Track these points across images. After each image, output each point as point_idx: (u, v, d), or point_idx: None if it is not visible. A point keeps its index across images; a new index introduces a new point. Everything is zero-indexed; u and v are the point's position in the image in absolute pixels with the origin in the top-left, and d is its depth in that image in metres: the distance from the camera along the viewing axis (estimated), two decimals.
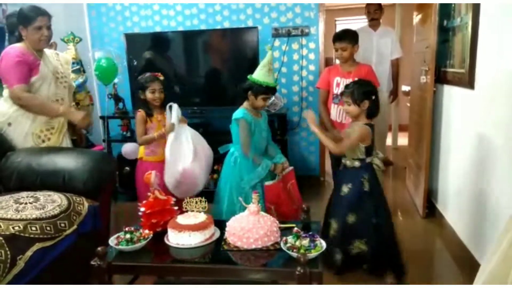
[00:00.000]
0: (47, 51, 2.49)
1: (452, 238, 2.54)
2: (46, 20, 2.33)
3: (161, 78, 2.55)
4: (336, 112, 2.89)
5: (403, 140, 5.00)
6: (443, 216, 2.83)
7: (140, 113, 2.52)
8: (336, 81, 2.86)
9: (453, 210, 2.68)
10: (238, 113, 2.36)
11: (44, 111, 2.36)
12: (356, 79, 2.42)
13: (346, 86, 2.29)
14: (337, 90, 2.85)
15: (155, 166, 2.41)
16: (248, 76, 2.36)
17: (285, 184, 2.41)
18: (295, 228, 1.69)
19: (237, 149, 2.41)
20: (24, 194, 2.03)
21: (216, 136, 3.07)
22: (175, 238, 1.72)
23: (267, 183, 2.33)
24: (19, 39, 2.35)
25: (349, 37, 2.77)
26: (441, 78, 2.86)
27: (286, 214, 2.31)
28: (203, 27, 3.73)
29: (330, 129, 2.92)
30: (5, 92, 2.38)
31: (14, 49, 2.32)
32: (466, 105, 2.44)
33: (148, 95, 2.51)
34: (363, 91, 2.16)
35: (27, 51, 2.33)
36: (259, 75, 2.32)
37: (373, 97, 2.18)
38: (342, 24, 6.62)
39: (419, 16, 3.38)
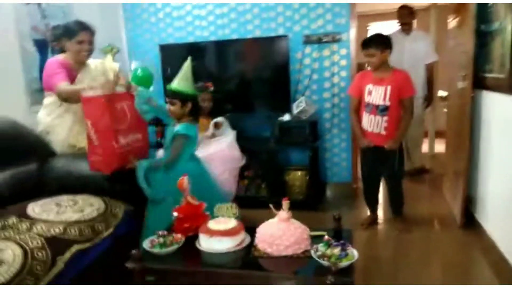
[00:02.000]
0: (91, 62, 2.60)
1: (492, 249, 2.42)
2: (89, 36, 2.45)
3: (211, 88, 2.81)
4: (367, 121, 2.82)
5: (440, 147, 4.84)
6: (482, 226, 2.71)
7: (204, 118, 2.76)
8: (368, 89, 2.79)
9: (493, 220, 2.56)
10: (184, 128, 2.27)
11: (74, 93, 2.37)
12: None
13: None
14: (368, 98, 2.78)
15: None
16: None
17: None
18: (326, 236, 1.67)
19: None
20: (64, 197, 2.13)
21: (247, 141, 3.10)
22: (206, 243, 1.74)
23: None
24: (62, 50, 2.49)
25: (376, 42, 2.70)
26: (479, 83, 2.75)
27: None
28: (234, 36, 3.79)
29: (360, 139, 2.86)
30: (46, 100, 2.51)
31: (57, 58, 2.48)
32: (507, 111, 2.33)
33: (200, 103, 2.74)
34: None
35: (68, 62, 2.46)
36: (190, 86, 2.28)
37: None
38: (375, 29, 6.54)
39: (455, 20, 3.28)
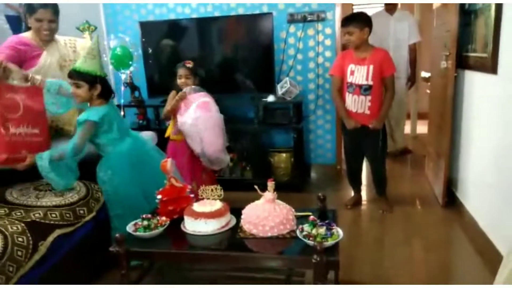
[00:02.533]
0: (60, 38, 2.49)
1: (473, 227, 2.49)
2: (49, 14, 2.31)
3: (188, 65, 2.71)
4: (351, 101, 2.81)
5: (422, 128, 4.90)
6: (463, 205, 2.77)
7: (172, 92, 2.73)
8: (350, 69, 2.77)
9: (474, 199, 2.62)
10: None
11: None
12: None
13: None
14: (351, 78, 2.77)
15: (182, 144, 2.69)
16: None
17: None
18: (311, 216, 1.68)
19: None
20: (43, 181, 2.06)
21: (231, 123, 3.05)
22: (191, 226, 1.73)
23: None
24: (29, 27, 2.38)
25: (355, 20, 2.68)
26: (462, 63, 2.77)
27: None
28: (217, 13, 3.69)
29: (347, 120, 2.84)
30: None
31: (18, 37, 2.37)
32: (489, 91, 2.36)
33: (177, 80, 2.71)
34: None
35: (30, 41, 2.35)
36: (99, 65, 2.09)
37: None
38: (360, 8, 6.48)
39: None
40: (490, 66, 2.24)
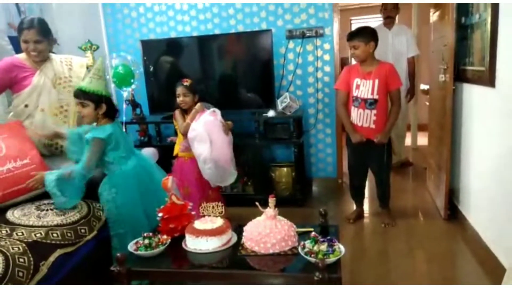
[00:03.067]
0: (56, 57, 2.50)
1: (476, 240, 2.47)
2: (33, 34, 2.28)
3: (186, 83, 2.70)
4: (356, 115, 2.81)
5: (423, 140, 4.90)
6: (465, 217, 2.76)
7: (177, 110, 2.76)
8: (356, 83, 2.79)
9: (476, 212, 2.61)
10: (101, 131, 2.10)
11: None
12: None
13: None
14: (357, 92, 2.78)
15: (190, 162, 2.71)
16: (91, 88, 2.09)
17: None
18: (313, 233, 1.67)
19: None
20: (45, 201, 2.07)
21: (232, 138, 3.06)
22: (192, 243, 1.72)
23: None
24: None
25: (360, 34, 2.71)
26: (460, 76, 2.79)
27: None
28: (217, 31, 3.75)
29: (353, 134, 2.84)
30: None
31: (11, 58, 2.39)
32: (487, 104, 2.37)
33: (177, 99, 2.72)
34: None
35: (23, 62, 2.36)
36: (102, 85, 2.12)
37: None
38: (358, 23, 6.56)
39: (436, 14, 3.31)
40: (488, 79, 2.26)
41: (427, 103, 4.03)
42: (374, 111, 2.75)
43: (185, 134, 2.67)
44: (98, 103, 2.07)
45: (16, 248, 1.66)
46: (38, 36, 2.31)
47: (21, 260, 1.63)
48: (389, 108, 2.83)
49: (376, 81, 2.72)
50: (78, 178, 1.99)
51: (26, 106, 2.36)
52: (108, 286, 1.69)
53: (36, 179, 1.97)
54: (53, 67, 2.44)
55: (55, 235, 1.83)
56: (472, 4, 2.54)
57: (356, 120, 2.83)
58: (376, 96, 2.73)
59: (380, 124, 2.78)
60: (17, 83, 2.35)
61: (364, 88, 2.75)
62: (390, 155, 3.00)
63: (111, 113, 2.16)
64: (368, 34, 2.71)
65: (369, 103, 2.75)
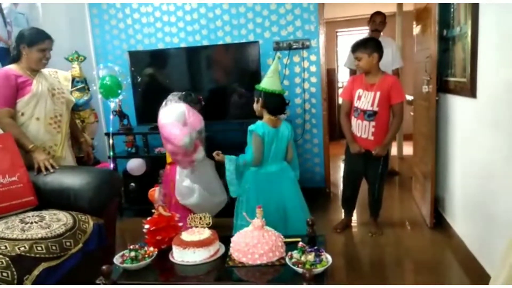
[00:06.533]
0: (44, 70, 2.55)
1: (461, 249, 2.51)
2: (50, 43, 2.43)
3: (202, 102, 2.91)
4: (355, 125, 2.82)
5: (408, 149, 4.96)
6: (450, 226, 2.80)
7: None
8: (358, 94, 2.79)
9: (461, 220, 2.65)
10: (253, 125, 2.35)
11: (18, 141, 2.27)
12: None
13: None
14: (357, 103, 2.78)
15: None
16: (256, 86, 2.38)
17: None
18: (300, 243, 1.68)
19: (243, 158, 2.35)
20: (30, 213, 2.04)
21: (220, 149, 3.06)
22: (180, 255, 1.71)
23: None
24: (16, 59, 2.41)
25: (364, 46, 2.72)
26: (443, 87, 2.85)
27: None
28: (205, 43, 3.77)
29: (351, 143, 2.84)
30: None
31: (4, 69, 2.40)
32: (469, 114, 2.43)
33: None
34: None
35: (19, 72, 2.38)
36: (267, 83, 2.32)
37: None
38: (344, 35, 6.68)
39: (419, 26, 3.40)
40: (469, 90, 2.32)
41: (412, 114, 4.10)
42: (373, 123, 2.75)
43: None
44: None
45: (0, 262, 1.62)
46: (52, 45, 2.45)
47: (4, 274, 1.59)
48: (390, 121, 2.83)
49: (378, 94, 2.71)
50: (245, 169, 2.29)
51: (22, 114, 2.38)
52: (107, 286, 1.66)
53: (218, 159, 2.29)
54: (46, 78, 2.50)
55: (39, 248, 1.79)
56: (453, 17, 2.62)
57: (355, 130, 2.83)
58: (375, 108, 2.72)
59: (379, 136, 2.77)
60: (17, 91, 2.37)
61: (365, 100, 2.76)
62: (387, 167, 3.01)
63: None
64: (371, 46, 2.72)
65: (368, 115, 2.75)
